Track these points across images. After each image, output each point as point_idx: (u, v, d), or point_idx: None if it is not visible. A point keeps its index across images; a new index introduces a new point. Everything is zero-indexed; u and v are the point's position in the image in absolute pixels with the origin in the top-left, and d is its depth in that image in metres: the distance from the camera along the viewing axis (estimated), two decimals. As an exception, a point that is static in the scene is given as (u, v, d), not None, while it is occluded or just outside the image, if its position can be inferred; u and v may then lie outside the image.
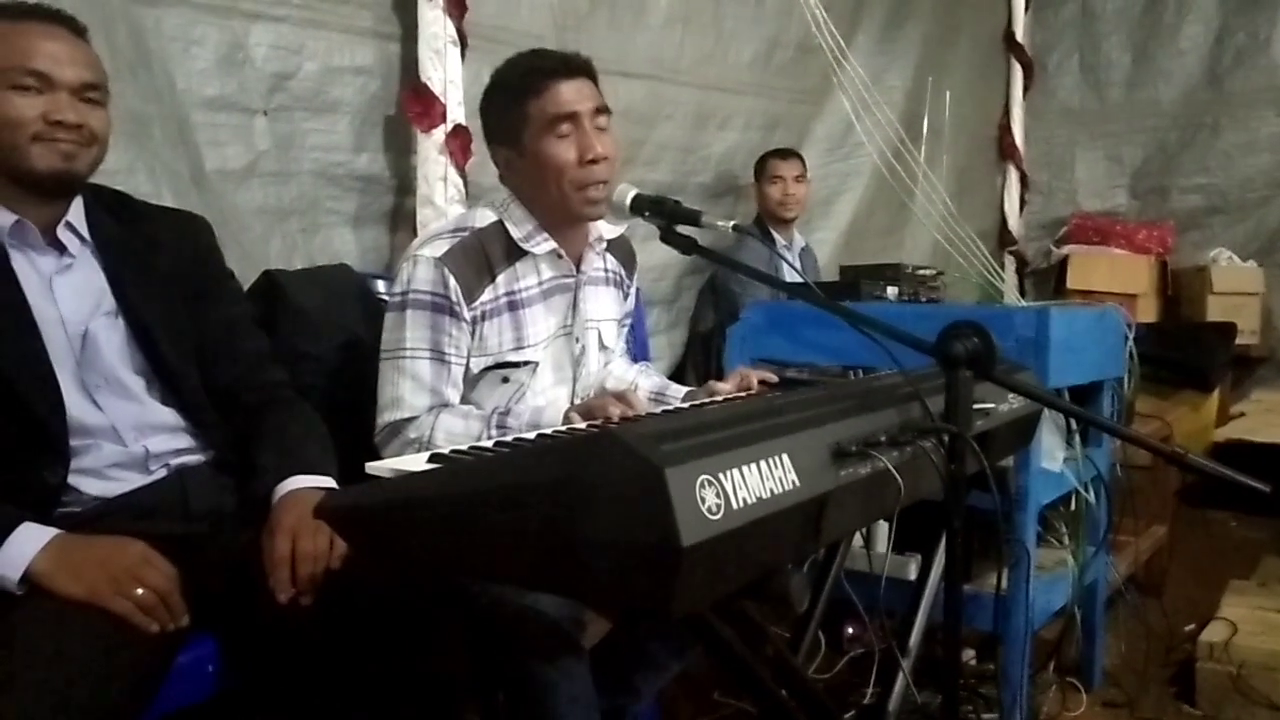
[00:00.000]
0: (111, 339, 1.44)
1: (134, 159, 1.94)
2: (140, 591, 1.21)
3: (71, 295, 1.42)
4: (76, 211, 1.46)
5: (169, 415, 1.47)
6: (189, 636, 1.30)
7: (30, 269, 1.40)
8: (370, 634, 1.29)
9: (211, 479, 1.48)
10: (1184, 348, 4.21)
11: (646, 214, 1.56)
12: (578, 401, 1.76)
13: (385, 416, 1.66)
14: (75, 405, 1.38)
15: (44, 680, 1.10)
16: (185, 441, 1.48)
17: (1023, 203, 5.30)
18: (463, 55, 2.54)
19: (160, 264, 1.52)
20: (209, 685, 1.32)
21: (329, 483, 1.43)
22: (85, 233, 1.46)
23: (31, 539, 1.22)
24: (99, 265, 1.46)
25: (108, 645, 1.16)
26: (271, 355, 1.65)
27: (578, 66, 1.68)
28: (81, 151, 1.40)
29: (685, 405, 1.76)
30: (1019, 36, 5.12)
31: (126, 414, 1.43)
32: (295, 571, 1.29)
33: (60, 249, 1.43)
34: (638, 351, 2.10)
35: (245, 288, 1.80)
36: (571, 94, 1.65)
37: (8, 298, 1.35)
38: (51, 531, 1.25)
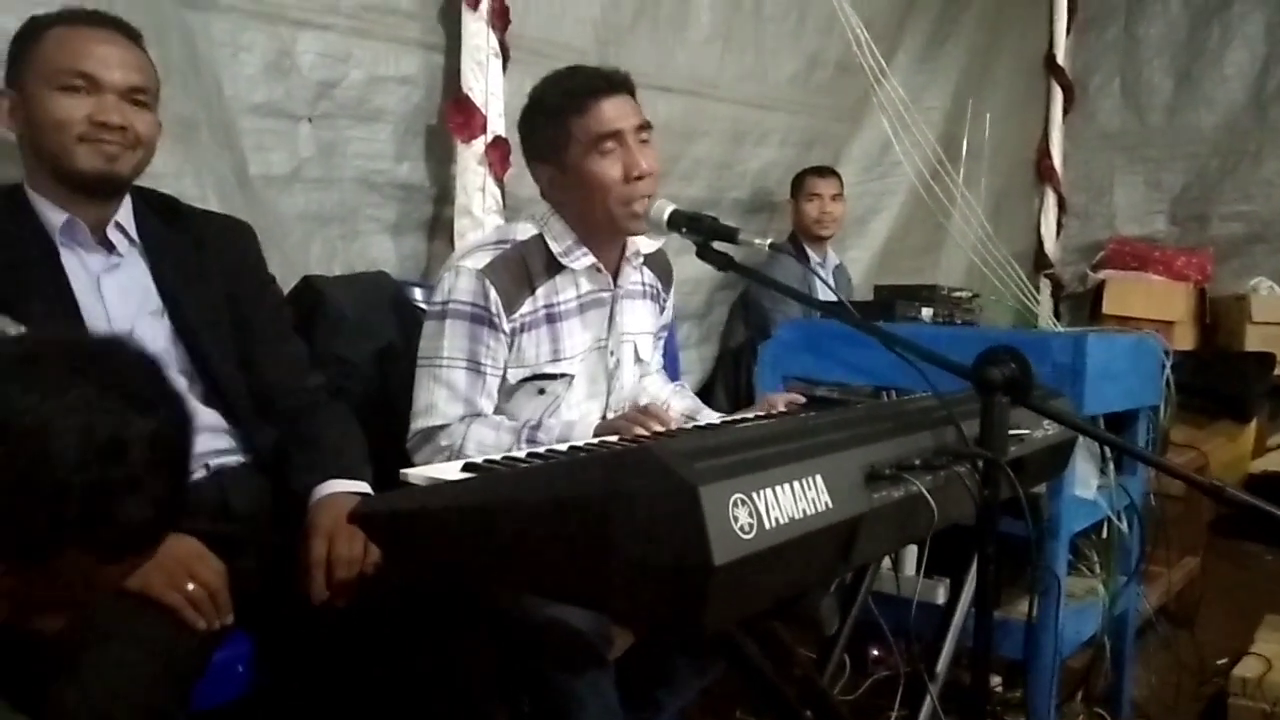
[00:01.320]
0: (157, 338, 1.46)
1: (181, 163, 1.97)
2: (192, 587, 1.23)
3: (118, 294, 1.45)
4: (125, 212, 1.49)
5: (210, 416, 1.50)
6: (228, 634, 1.31)
7: (80, 267, 1.43)
8: (402, 638, 1.30)
9: (250, 480, 1.50)
10: (1221, 377, 4.15)
11: (683, 230, 1.56)
12: (611, 414, 1.77)
13: (418, 423, 1.67)
14: None
15: (106, 670, 1.12)
16: (225, 443, 1.51)
17: (1060, 226, 5.25)
18: (504, 67, 2.56)
19: (206, 267, 1.55)
20: (241, 685, 1.34)
21: (365, 488, 1.44)
22: (134, 233, 1.49)
23: None
24: (146, 265, 1.49)
25: (161, 637, 1.18)
26: (311, 360, 1.67)
27: (619, 83, 1.70)
28: (125, 153, 1.43)
29: (719, 423, 1.76)
30: (1060, 59, 5.09)
31: None
32: (330, 574, 1.30)
33: (109, 248, 1.46)
34: (668, 365, 2.10)
35: (285, 292, 1.83)
36: (614, 111, 1.66)
37: (56, 295, 1.38)
38: None
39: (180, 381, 1.47)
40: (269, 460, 1.54)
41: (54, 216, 1.41)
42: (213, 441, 1.49)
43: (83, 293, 1.41)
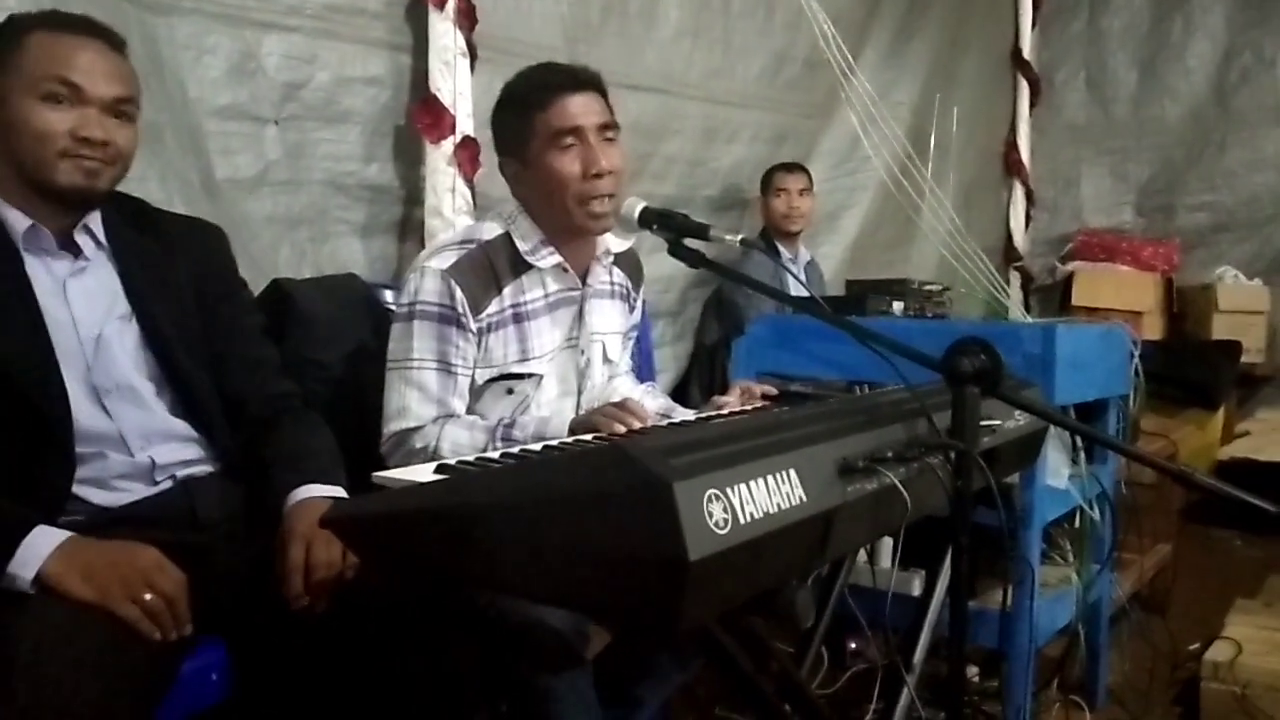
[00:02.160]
0: (125, 343, 1.44)
1: (145, 167, 1.95)
2: (149, 597, 1.21)
3: (84, 298, 1.42)
4: (94, 217, 1.46)
5: (178, 425, 1.47)
6: (197, 643, 1.30)
7: (44, 272, 1.40)
8: (380, 642, 1.29)
9: (218, 489, 1.48)
10: (1189, 366, 4.20)
11: (655, 227, 1.56)
12: (582, 413, 1.77)
13: (391, 426, 1.66)
14: (83, 411, 1.38)
15: (53, 681, 1.10)
16: (193, 452, 1.48)
17: (1028, 219, 5.30)
18: (473, 67, 2.55)
19: (176, 271, 1.52)
20: (215, 692, 1.32)
21: (340, 492, 1.43)
22: (101, 237, 1.46)
23: (45, 540, 1.22)
24: (114, 269, 1.46)
25: (115, 649, 1.16)
26: (282, 366, 1.65)
27: (585, 80, 1.69)
28: (105, 169, 1.40)
29: (692, 419, 1.76)
30: (1026, 53, 5.14)
31: (135, 421, 1.43)
32: (308, 579, 1.30)
33: (75, 252, 1.43)
34: (643, 363, 2.10)
35: (254, 295, 1.81)
36: (577, 108, 1.66)
37: (19, 300, 1.35)
38: (64, 534, 1.24)
39: (149, 388, 1.46)
40: (238, 467, 1.52)
41: (18, 222, 1.38)
42: (180, 451, 1.46)
43: (47, 298, 1.38)
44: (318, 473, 1.45)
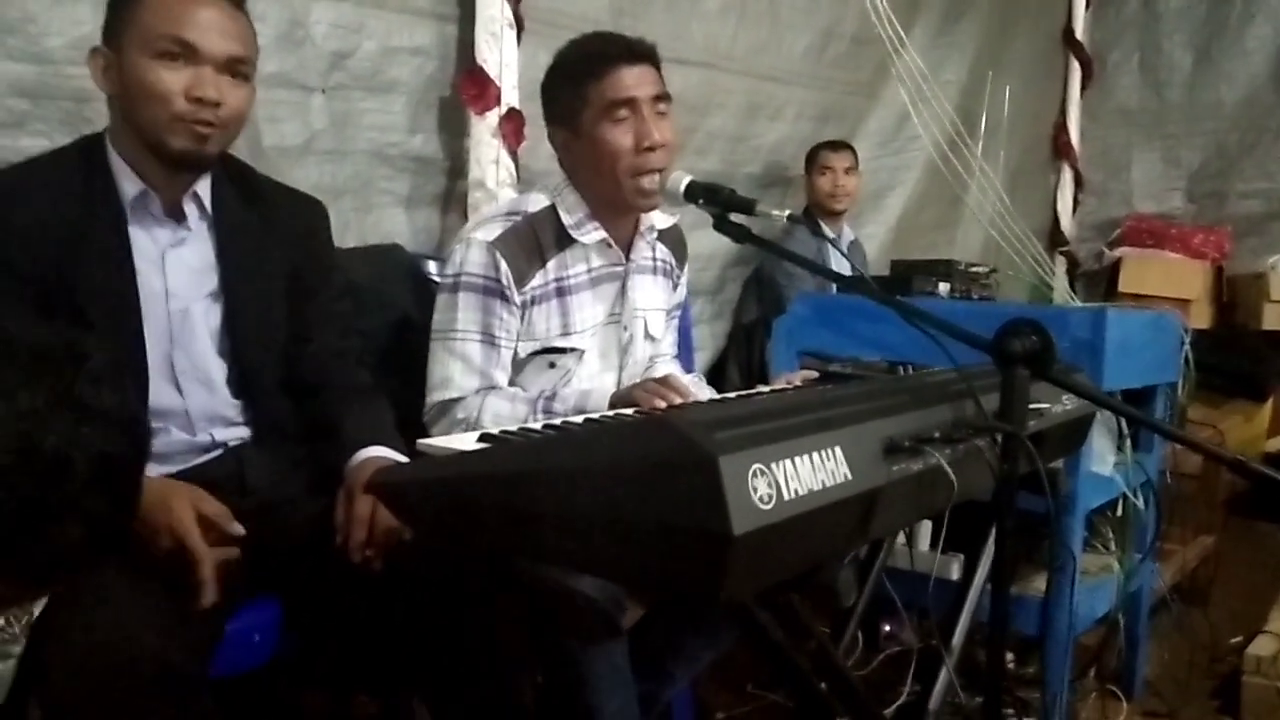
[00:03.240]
0: (209, 322, 1.45)
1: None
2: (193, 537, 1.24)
3: (181, 271, 1.42)
4: (204, 183, 1.45)
5: (238, 407, 1.48)
6: (250, 601, 1.32)
7: (148, 240, 1.40)
8: (428, 608, 1.30)
9: (268, 457, 1.49)
10: (1238, 356, 4.13)
11: (700, 201, 1.55)
12: (623, 388, 1.76)
13: (434, 396, 1.67)
14: (159, 388, 1.39)
15: (117, 626, 1.12)
16: (248, 432, 1.50)
17: (1076, 203, 5.21)
18: (519, 38, 2.54)
19: (272, 247, 1.51)
20: (260, 652, 1.35)
21: (403, 458, 1.44)
22: (208, 204, 1.45)
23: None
24: (213, 243, 1.46)
25: (164, 605, 1.18)
26: (361, 354, 1.64)
27: (641, 53, 1.68)
28: (216, 133, 1.37)
29: (735, 396, 1.75)
30: (1078, 34, 5.03)
31: (202, 402, 1.44)
32: (372, 532, 1.31)
33: (179, 219, 1.43)
34: (681, 341, 2.09)
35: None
36: (632, 80, 1.65)
37: (118, 270, 1.36)
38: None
39: (221, 372, 1.46)
40: (293, 446, 1.53)
41: (129, 186, 1.38)
42: (237, 430, 1.48)
43: (144, 265, 1.38)
44: (387, 438, 1.46)
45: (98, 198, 1.36)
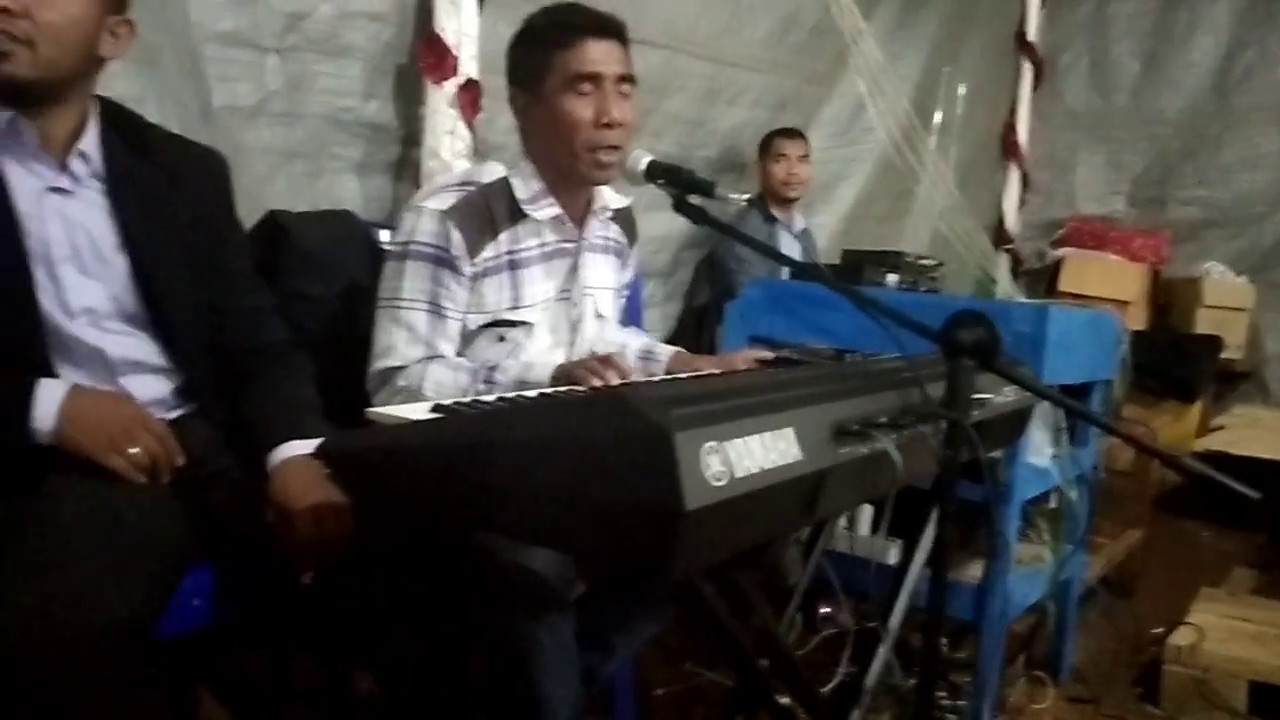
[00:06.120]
0: (112, 280, 1.38)
1: (144, 88, 1.92)
2: (135, 450, 1.27)
3: (68, 225, 1.35)
4: (91, 140, 1.37)
5: (157, 382, 1.45)
6: (193, 567, 1.31)
7: (28, 179, 1.32)
8: (375, 577, 1.30)
9: (204, 429, 1.46)
10: (1171, 357, 4.25)
11: (660, 180, 1.55)
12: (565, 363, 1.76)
13: (377, 364, 1.65)
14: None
15: (70, 573, 1.12)
16: (176, 398, 1.46)
17: (1022, 202, 5.31)
18: (480, 8, 2.51)
19: (175, 205, 1.44)
20: (199, 616, 1.33)
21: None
22: (100, 165, 1.37)
23: (51, 394, 1.27)
24: (108, 201, 1.38)
25: (125, 554, 1.18)
26: (273, 308, 1.60)
27: (612, 29, 1.67)
28: (19, 50, 1.24)
29: (684, 375, 1.76)
30: (1030, 35, 5.11)
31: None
32: (320, 552, 1.29)
33: (69, 176, 1.35)
34: (631, 320, 2.09)
35: (249, 226, 1.77)
36: (600, 54, 1.64)
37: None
38: (62, 385, 1.28)
39: (129, 331, 1.41)
40: (220, 411, 1.50)
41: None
42: (162, 395, 1.44)
43: (25, 207, 1.30)
44: (304, 427, 1.41)
45: None
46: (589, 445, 0.91)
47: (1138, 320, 4.81)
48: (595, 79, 1.63)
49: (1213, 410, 4.69)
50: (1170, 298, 5.09)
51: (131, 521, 1.23)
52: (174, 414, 1.45)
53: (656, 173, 1.55)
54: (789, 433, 1.02)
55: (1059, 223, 5.41)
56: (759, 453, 0.98)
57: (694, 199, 1.52)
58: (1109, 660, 2.54)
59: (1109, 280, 4.91)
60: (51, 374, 1.32)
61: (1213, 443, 4.01)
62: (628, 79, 1.67)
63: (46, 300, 1.33)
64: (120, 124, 1.43)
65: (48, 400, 1.26)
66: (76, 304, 1.35)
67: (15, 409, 1.24)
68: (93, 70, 1.37)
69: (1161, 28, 5.23)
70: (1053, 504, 2.32)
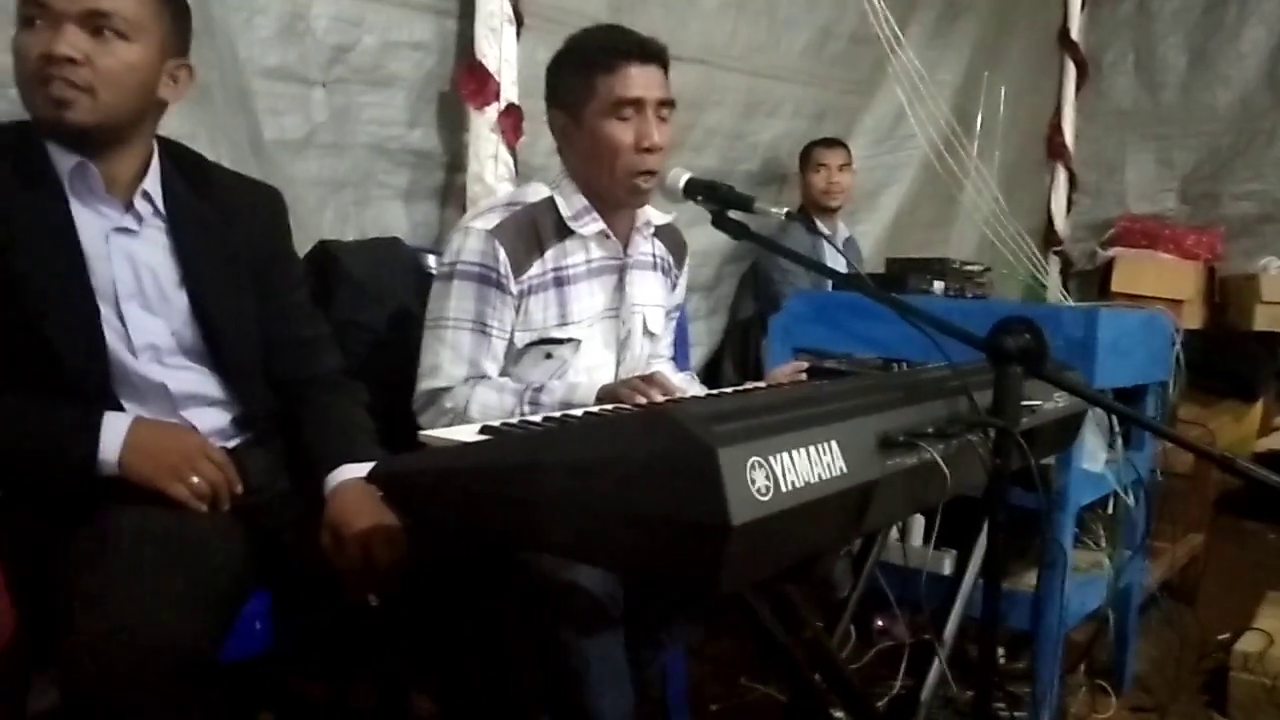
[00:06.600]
0: (172, 316, 1.42)
1: (195, 125, 1.97)
2: (195, 480, 1.32)
3: (132, 262, 1.39)
4: (153, 179, 1.40)
5: (215, 414, 1.48)
6: (253, 592, 1.34)
7: (93, 221, 1.36)
8: (432, 599, 1.32)
9: (262, 458, 1.50)
10: (1229, 356, 4.15)
11: (699, 197, 1.56)
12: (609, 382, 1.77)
13: (423, 384, 1.68)
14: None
15: (137, 599, 1.15)
16: (234, 429, 1.50)
17: (1070, 203, 5.22)
18: (518, 34, 2.55)
19: (233, 241, 1.47)
20: (260, 641, 1.36)
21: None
22: (160, 204, 1.41)
23: (116, 425, 1.31)
24: (169, 239, 1.42)
25: (188, 580, 1.21)
26: (329, 339, 1.64)
27: (653, 53, 1.69)
28: (80, 97, 1.26)
29: (729, 391, 1.76)
30: (1074, 34, 5.04)
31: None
32: (373, 578, 1.31)
33: (133, 215, 1.39)
34: (677, 340, 2.10)
35: (300, 257, 1.81)
36: (642, 80, 1.66)
37: (66, 248, 1.33)
38: (126, 416, 1.33)
39: (189, 365, 1.44)
40: (278, 440, 1.54)
41: (63, 161, 1.31)
42: (221, 426, 1.48)
43: (93, 248, 1.34)
44: (358, 451, 1.44)
45: (32, 176, 1.31)
46: (634, 463, 0.93)
47: (1194, 319, 4.71)
48: (637, 104, 1.66)
49: (1275, 409, 4.57)
50: (1227, 295, 4.98)
51: (194, 548, 1.26)
52: (233, 443, 1.48)
53: (695, 189, 1.56)
54: (833, 445, 1.03)
55: (1109, 222, 5.32)
56: (804, 466, 0.98)
57: (734, 214, 1.54)
58: (1173, 668, 2.48)
59: (1162, 279, 4.82)
60: (117, 408, 1.36)
61: (1275, 442, 3.92)
62: (668, 104, 1.69)
63: (113, 337, 1.37)
64: (181, 163, 1.47)
65: (113, 432, 1.30)
66: (140, 341, 1.39)
67: (84, 443, 1.29)
68: (154, 113, 1.41)
69: (1208, 22, 5.13)
70: (1110, 509, 2.28)
